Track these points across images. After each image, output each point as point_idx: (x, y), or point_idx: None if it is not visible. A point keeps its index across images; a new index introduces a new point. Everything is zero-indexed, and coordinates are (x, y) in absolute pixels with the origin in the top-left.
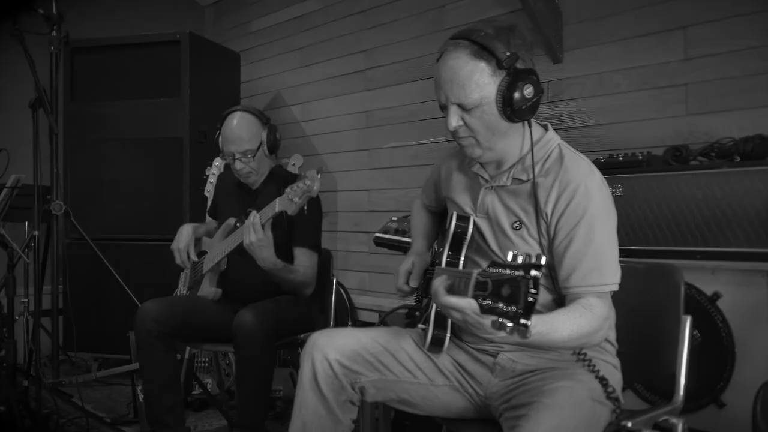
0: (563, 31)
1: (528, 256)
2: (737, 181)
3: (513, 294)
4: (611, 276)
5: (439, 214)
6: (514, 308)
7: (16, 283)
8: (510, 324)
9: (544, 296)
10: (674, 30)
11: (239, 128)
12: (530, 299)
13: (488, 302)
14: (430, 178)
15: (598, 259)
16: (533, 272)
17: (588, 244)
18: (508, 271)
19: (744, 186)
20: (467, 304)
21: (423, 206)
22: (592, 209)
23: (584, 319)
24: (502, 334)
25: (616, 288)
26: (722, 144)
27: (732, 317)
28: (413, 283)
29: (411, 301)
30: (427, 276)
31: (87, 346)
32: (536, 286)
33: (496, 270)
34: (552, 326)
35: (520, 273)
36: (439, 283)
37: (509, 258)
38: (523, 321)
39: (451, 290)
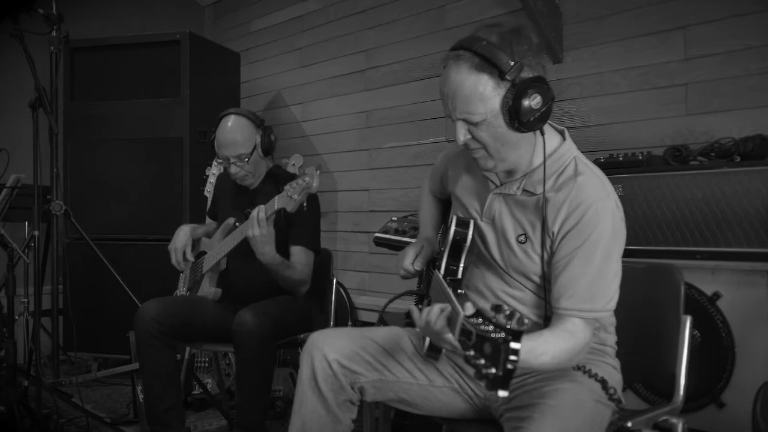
0: (563, 31)
1: (512, 315)
2: (737, 181)
3: (494, 355)
4: (602, 304)
5: (446, 202)
6: (493, 371)
7: (16, 283)
8: (489, 384)
9: (538, 306)
10: (674, 30)
11: (232, 132)
12: (509, 366)
13: (471, 353)
14: (437, 168)
15: (592, 286)
16: (513, 344)
17: (585, 270)
18: (491, 332)
19: (744, 186)
20: (454, 344)
21: (431, 192)
22: (596, 234)
23: (567, 346)
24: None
25: (605, 315)
26: (722, 144)
27: (732, 317)
28: (418, 266)
29: (411, 300)
30: (428, 276)
31: (87, 346)
32: (516, 354)
33: (481, 321)
34: (533, 354)
35: (501, 336)
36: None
37: (496, 311)
38: (500, 391)
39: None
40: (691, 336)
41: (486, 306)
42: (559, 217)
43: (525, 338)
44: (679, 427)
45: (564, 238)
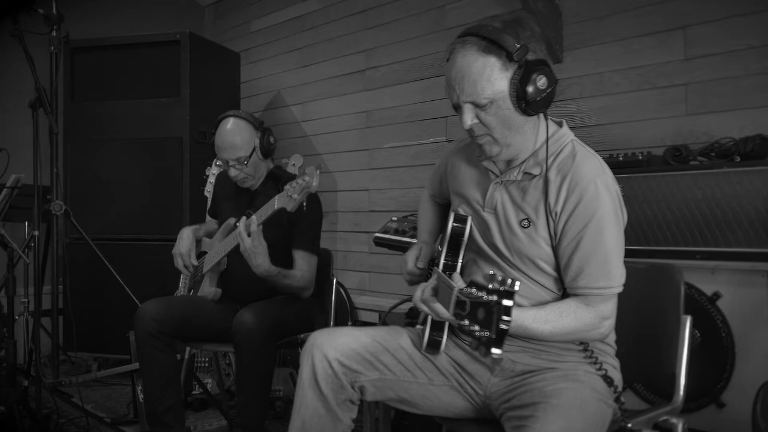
0: (563, 31)
1: (504, 281)
2: (737, 181)
3: (487, 319)
4: (618, 279)
5: (446, 207)
6: (487, 334)
7: (16, 283)
8: (483, 348)
9: (546, 296)
10: (674, 30)
11: (231, 135)
12: (502, 326)
13: (466, 322)
14: (437, 170)
15: (605, 262)
16: (505, 302)
17: (596, 247)
18: (484, 296)
19: (744, 186)
20: (449, 318)
21: (430, 198)
22: (600, 211)
23: (580, 314)
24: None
25: (621, 290)
26: (722, 144)
27: (732, 317)
28: (421, 265)
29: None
30: (428, 275)
31: (87, 346)
32: (508, 314)
33: (474, 290)
34: (544, 321)
35: (494, 298)
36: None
37: (488, 279)
38: (493, 350)
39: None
40: (691, 336)
41: None
42: (560, 198)
43: (540, 309)
44: (679, 427)
45: (569, 219)
